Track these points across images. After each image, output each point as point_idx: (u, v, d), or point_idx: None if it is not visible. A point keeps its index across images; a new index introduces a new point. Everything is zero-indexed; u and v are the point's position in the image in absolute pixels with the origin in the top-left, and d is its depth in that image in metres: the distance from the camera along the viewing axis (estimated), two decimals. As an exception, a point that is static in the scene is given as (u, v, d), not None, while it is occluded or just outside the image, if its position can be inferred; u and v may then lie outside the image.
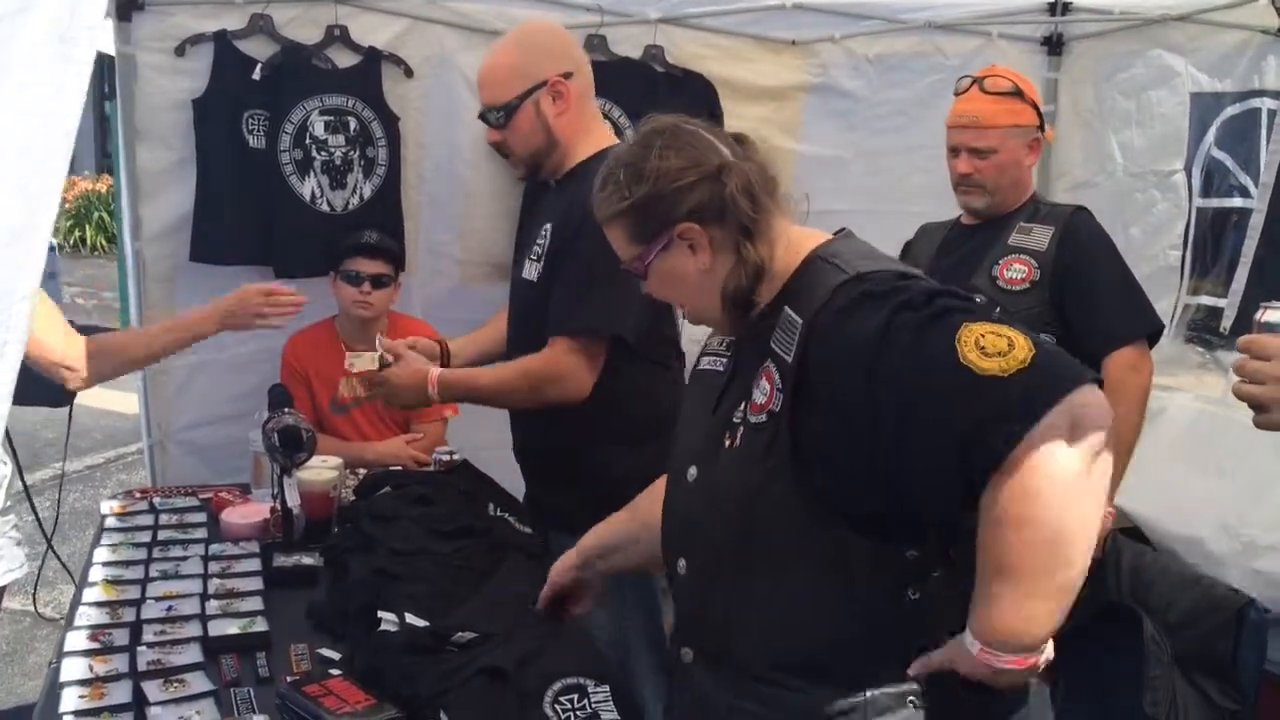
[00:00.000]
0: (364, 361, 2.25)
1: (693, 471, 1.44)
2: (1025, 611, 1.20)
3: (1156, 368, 3.42)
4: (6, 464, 2.16)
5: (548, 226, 2.17)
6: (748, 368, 1.40)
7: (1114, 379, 2.33)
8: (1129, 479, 2.38)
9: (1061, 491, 1.16)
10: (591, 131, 2.22)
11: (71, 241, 12.50)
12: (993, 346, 1.17)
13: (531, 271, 2.19)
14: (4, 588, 2.13)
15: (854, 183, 3.58)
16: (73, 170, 14.15)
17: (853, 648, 1.31)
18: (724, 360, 1.49)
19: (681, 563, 1.45)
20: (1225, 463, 3.05)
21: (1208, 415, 3.22)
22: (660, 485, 1.58)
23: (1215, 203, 3.64)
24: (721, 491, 1.38)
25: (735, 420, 1.38)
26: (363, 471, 2.59)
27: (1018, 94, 2.41)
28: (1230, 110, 3.54)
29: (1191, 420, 3.28)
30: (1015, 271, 2.38)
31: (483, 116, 2.20)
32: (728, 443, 1.37)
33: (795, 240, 1.43)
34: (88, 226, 12.63)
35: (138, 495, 2.51)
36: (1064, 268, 2.34)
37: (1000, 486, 1.17)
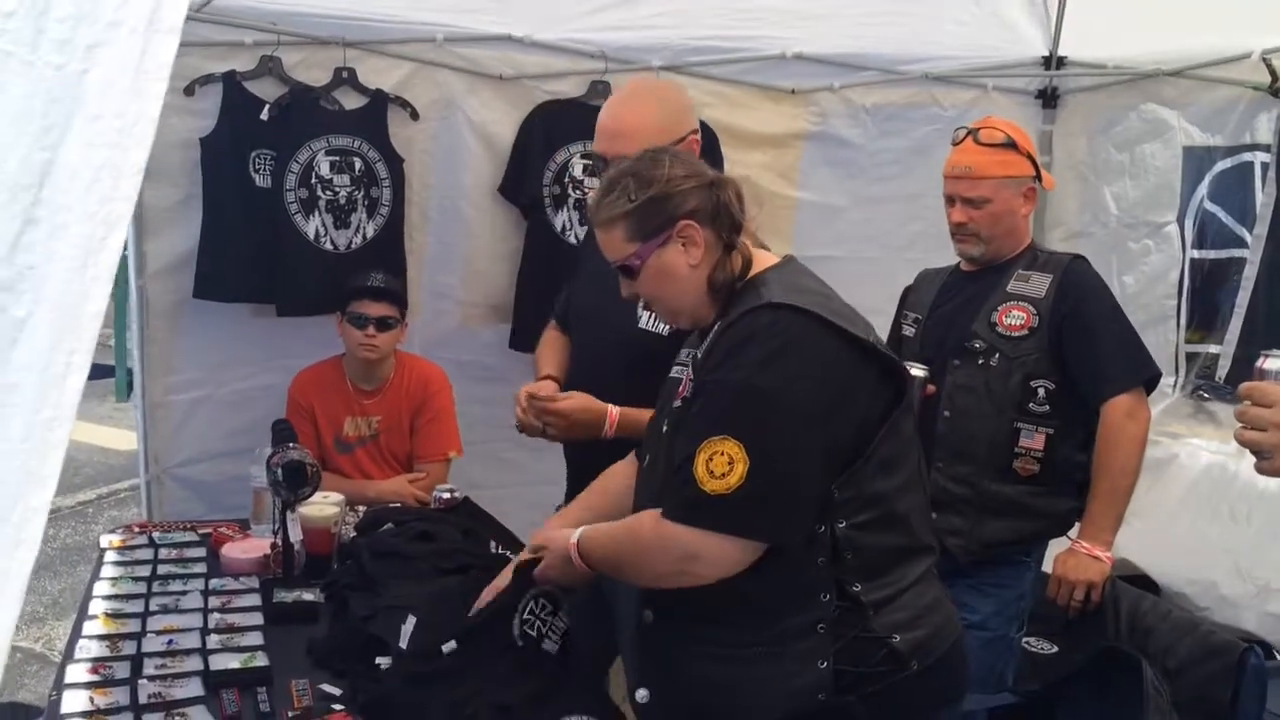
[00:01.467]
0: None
1: (647, 459, 1.71)
2: None
3: (1161, 416, 3.49)
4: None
5: None
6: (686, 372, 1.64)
7: (1112, 426, 2.35)
8: (1135, 525, 2.39)
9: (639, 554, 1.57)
10: None
11: (67, 278, 12.49)
12: (718, 467, 1.45)
13: (658, 324, 2.14)
14: None
15: (851, 229, 3.63)
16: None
17: (774, 588, 1.52)
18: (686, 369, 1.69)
19: None
20: (1238, 508, 3.06)
21: (1219, 462, 3.24)
22: (609, 473, 1.91)
23: (1211, 254, 3.70)
24: (659, 471, 1.61)
25: (672, 409, 1.63)
26: (363, 508, 2.59)
27: (1011, 145, 2.45)
28: (1222, 164, 3.60)
29: (1203, 468, 3.31)
30: (1014, 318, 2.40)
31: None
32: (665, 429, 1.64)
33: (753, 261, 1.63)
34: (84, 264, 12.63)
35: (136, 529, 2.50)
36: (1062, 315, 2.37)
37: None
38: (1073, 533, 2.43)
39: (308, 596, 2.08)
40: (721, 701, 1.55)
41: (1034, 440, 2.37)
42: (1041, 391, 2.37)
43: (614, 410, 2.16)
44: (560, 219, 3.37)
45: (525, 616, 1.68)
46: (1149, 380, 2.41)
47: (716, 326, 1.58)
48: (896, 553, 1.58)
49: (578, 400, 2.19)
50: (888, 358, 1.58)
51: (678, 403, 1.61)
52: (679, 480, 1.49)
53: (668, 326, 2.13)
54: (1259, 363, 1.30)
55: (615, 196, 1.62)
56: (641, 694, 1.61)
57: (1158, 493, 3.35)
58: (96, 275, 0.93)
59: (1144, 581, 2.82)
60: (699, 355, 1.59)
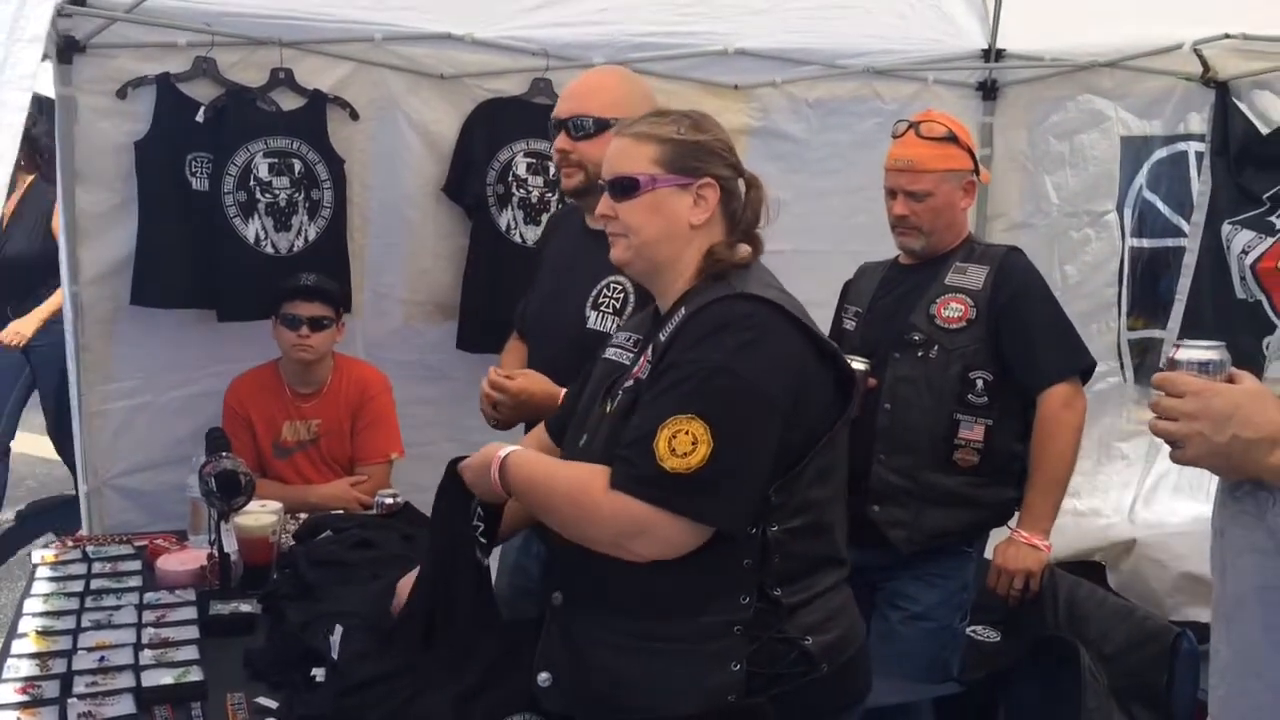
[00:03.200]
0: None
1: (584, 439, 1.66)
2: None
3: (1133, 409, 3.62)
4: None
5: (619, 280, 2.15)
6: (642, 352, 1.62)
7: (1048, 416, 2.38)
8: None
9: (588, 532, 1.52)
10: None
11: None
12: (681, 446, 1.43)
13: (606, 324, 2.16)
14: None
15: (796, 223, 3.60)
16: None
17: (695, 586, 1.51)
18: (629, 355, 1.70)
19: None
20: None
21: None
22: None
23: (1149, 242, 3.76)
24: (597, 449, 1.58)
25: (617, 393, 1.61)
26: (303, 516, 2.56)
27: (952, 139, 2.47)
28: (1160, 153, 3.67)
29: None
30: (952, 310, 2.42)
31: (563, 123, 2.15)
32: (608, 408, 1.61)
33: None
34: (26, 269, 12.36)
35: (70, 543, 2.46)
36: (999, 307, 2.39)
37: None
38: (1012, 522, 2.45)
39: (245, 608, 2.05)
40: (626, 694, 1.53)
41: (973, 431, 2.39)
42: (980, 383, 2.39)
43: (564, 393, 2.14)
44: (505, 218, 3.35)
45: (475, 522, 1.67)
46: (1084, 370, 2.44)
47: (682, 311, 1.55)
48: (818, 561, 1.59)
49: (527, 380, 2.17)
50: (845, 367, 1.60)
51: (629, 383, 1.58)
52: (635, 453, 1.46)
53: (615, 327, 2.14)
54: (1172, 353, 1.31)
55: (665, 121, 1.62)
56: (543, 677, 1.58)
57: (1153, 478, 3.68)
58: None
59: (1083, 568, 2.87)
60: (662, 338, 1.55)
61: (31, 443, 6.56)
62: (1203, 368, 1.29)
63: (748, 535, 1.50)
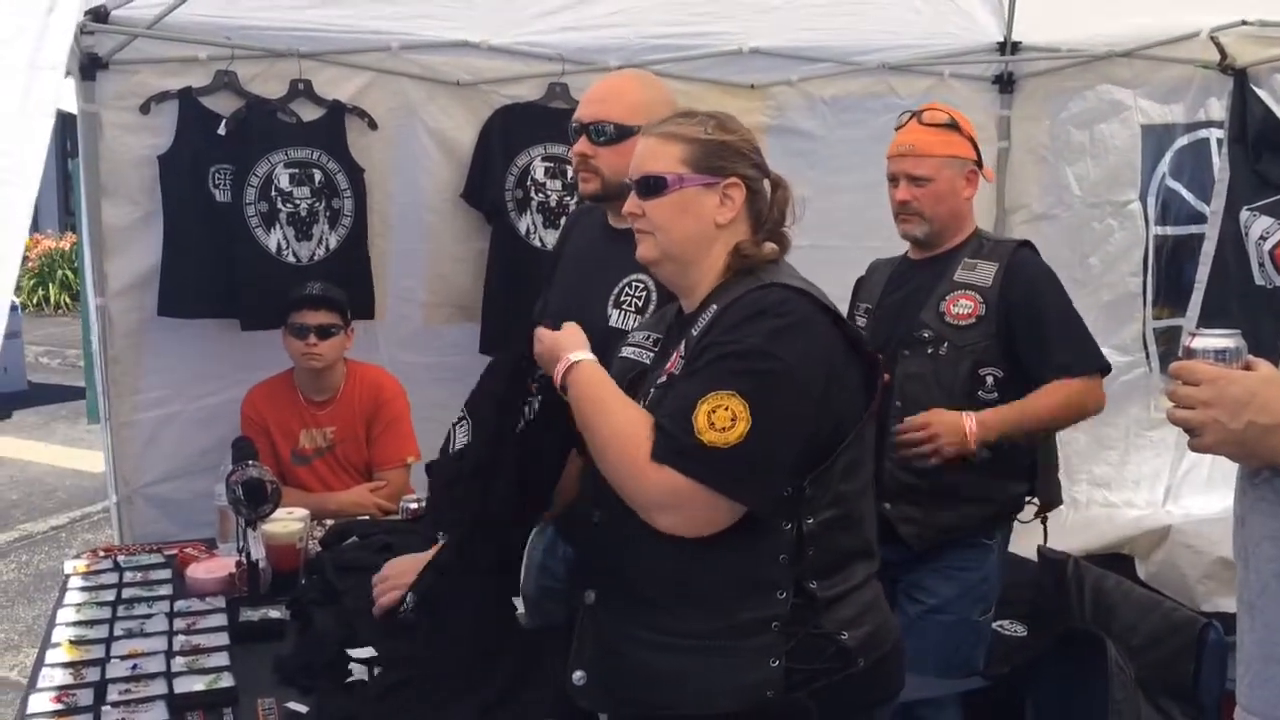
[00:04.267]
0: None
1: None
2: None
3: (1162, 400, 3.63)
4: None
5: (642, 279, 2.13)
6: (669, 351, 1.63)
7: (1075, 387, 2.34)
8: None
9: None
10: None
11: (35, 300, 12.40)
12: (720, 421, 1.44)
13: (628, 322, 2.11)
14: None
15: (814, 219, 3.53)
16: (36, 228, 14.09)
17: (730, 582, 1.51)
18: (649, 354, 1.72)
19: (598, 514, 1.62)
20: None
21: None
22: None
23: (1173, 230, 3.73)
24: None
25: (649, 390, 1.61)
26: (330, 522, 2.58)
27: (954, 126, 2.47)
28: (1181, 140, 3.65)
29: None
30: (962, 307, 2.40)
31: (584, 128, 2.14)
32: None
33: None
34: (51, 285, 12.52)
35: (101, 554, 2.49)
36: (1010, 303, 2.37)
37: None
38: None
39: (274, 614, 2.07)
40: (663, 692, 1.53)
41: (983, 428, 2.37)
42: (990, 379, 2.36)
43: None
44: (524, 223, 3.37)
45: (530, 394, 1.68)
46: (1100, 371, 2.42)
47: (713, 308, 1.56)
48: (850, 554, 1.59)
49: None
50: (871, 358, 1.61)
51: (662, 379, 1.59)
52: (674, 424, 1.46)
53: (637, 326, 2.14)
54: (1188, 342, 1.31)
55: (692, 121, 1.63)
56: (578, 676, 1.59)
57: (1185, 466, 3.72)
58: None
59: (1111, 560, 2.85)
60: (694, 334, 1.56)
61: (62, 455, 6.68)
62: (1219, 355, 1.28)
63: (782, 529, 1.50)
